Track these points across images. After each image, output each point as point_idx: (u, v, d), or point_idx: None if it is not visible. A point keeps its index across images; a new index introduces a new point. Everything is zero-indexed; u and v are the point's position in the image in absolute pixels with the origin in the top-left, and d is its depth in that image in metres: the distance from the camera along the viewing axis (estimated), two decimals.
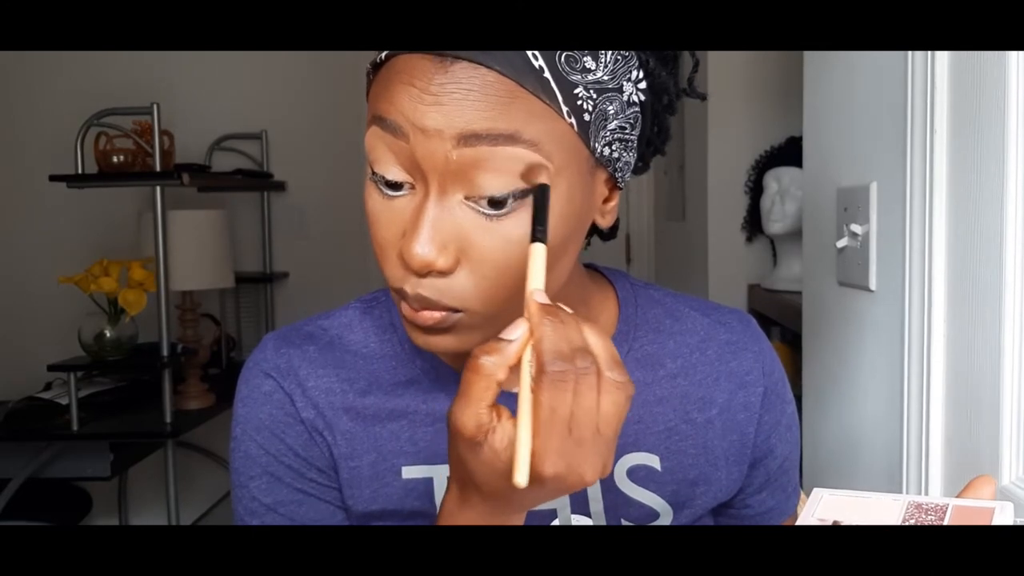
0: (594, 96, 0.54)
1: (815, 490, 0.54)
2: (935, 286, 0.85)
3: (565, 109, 0.53)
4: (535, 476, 0.47)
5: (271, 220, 2.93)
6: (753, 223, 2.00)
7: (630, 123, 0.58)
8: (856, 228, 1.00)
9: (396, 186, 0.55)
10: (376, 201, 0.56)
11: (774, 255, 1.99)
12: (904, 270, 0.90)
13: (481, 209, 0.53)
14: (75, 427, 2.12)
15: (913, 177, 0.87)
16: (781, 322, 1.77)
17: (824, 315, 1.15)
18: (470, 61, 0.52)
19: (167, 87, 2.76)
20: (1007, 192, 0.73)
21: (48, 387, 2.41)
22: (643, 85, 0.58)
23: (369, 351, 0.68)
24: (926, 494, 0.87)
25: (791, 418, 0.74)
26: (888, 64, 0.93)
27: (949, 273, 0.83)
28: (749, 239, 2.05)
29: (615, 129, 0.57)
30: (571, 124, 0.54)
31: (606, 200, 0.61)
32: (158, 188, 2.12)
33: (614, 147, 0.58)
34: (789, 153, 1.85)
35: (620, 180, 0.60)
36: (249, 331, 2.96)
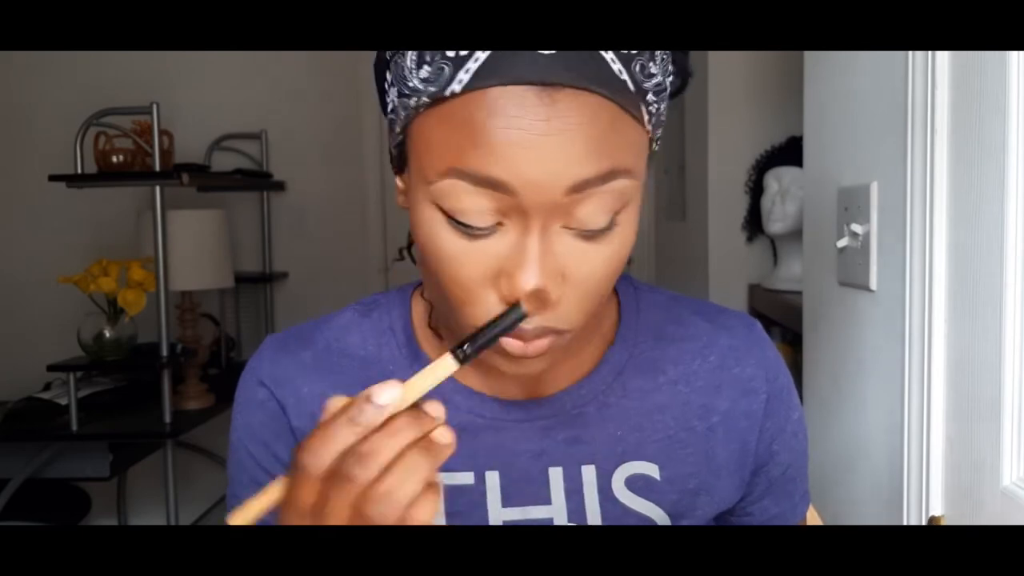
0: (656, 99, 0.54)
1: None
2: (935, 286, 0.84)
3: (647, 118, 0.53)
4: None
5: (271, 220, 2.93)
6: (753, 223, 2.00)
7: (666, 112, 0.59)
8: (856, 228, 1.00)
9: (481, 228, 0.52)
10: (453, 241, 0.52)
11: (774, 255, 1.99)
12: (905, 270, 0.90)
13: (579, 235, 0.52)
14: (74, 427, 2.12)
15: (914, 177, 0.87)
16: (781, 322, 1.77)
17: (824, 315, 1.15)
18: (574, 87, 0.49)
19: (167, 87, 2.76)
20: (1007, 192, 0.73)
21: (47, 387, 2.41)
22: (672, 77, 0.58)
23: (367, 354, 0.68)
24: (927, 494, 0.87)
25: (796, 425, 0.71)
26: (888, 64, 0.93)
27: (949, 273, 0.83)
28: (749, 239, 2.05)
29: (663, 122, 0.57)
30: (648, 131, 0.54)
31: None
32: (157, 188, 2.11)
33: (660, 138, 0.59)
34: (789, 153, 1.85)
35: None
36: (249, 331, 2.96)
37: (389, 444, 0.46)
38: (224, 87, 2.89)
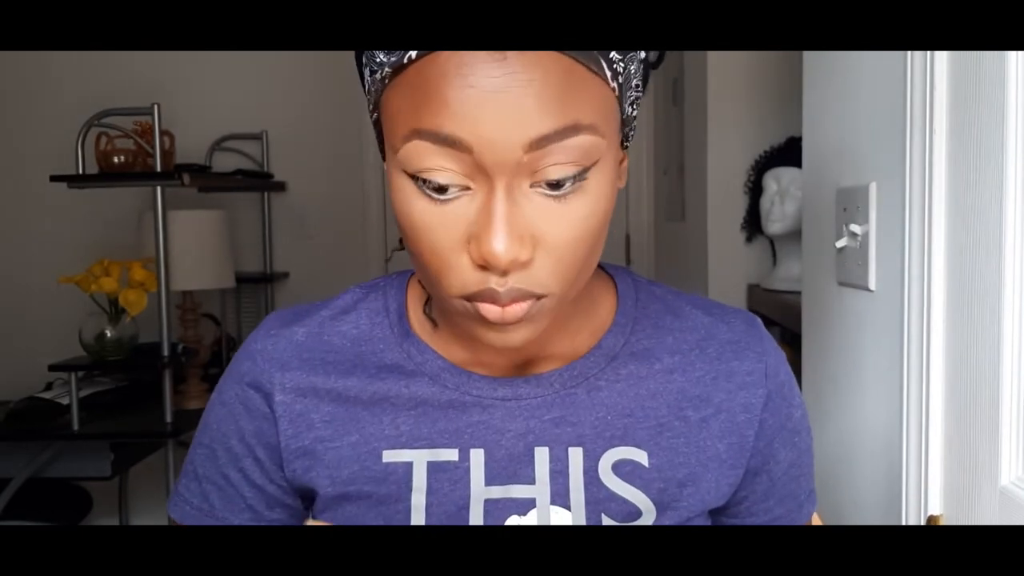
0: (623, 58, 0.54)
1: None
2: (934, 286, 0.85)
3: (609, 74, 0.53)
4: None
5: (271, 220, 2.94)
6: (753, 223, 2.01)
7: (642, 81, 0.58)
8: (855, 228, 1.00)
9: (446, 189, 0.52)
10: (423, 209, 0.53)
11: (774, 255, 1.99)
12: (903, 270, 0.90)
13: (544, 191, 0.52)
14: (76, 427, 2.12)
15: (912, 177, 0.87)
16: (781, 322, 1.77)
17: (824, 315, 1.16)
18: None
19: (167, 87, 2.76)
20: (1006, 192, 0.73)
21: (49, 387, 2.41)
22: None
23: (359, 332, 0.68)
24: (925, 494, 0.87)
25: (798, 423, 0.70)
26: (888, 64, 0.93)
27: (948, 273, 0.83)
28: (749, 239, 2.05)
29: (635, 87, 0.57)
30: (613, 89, 0.54)
31: (620, 161, 0.60)
32: (159, 188, 2.12)
33: (634, 107, 0.58)
34: (789, 153, 1.85)
35: (629, 139, 0.60)
36: (249, 331, 2.95)
37: None
38: (225, 87, 2.89)
